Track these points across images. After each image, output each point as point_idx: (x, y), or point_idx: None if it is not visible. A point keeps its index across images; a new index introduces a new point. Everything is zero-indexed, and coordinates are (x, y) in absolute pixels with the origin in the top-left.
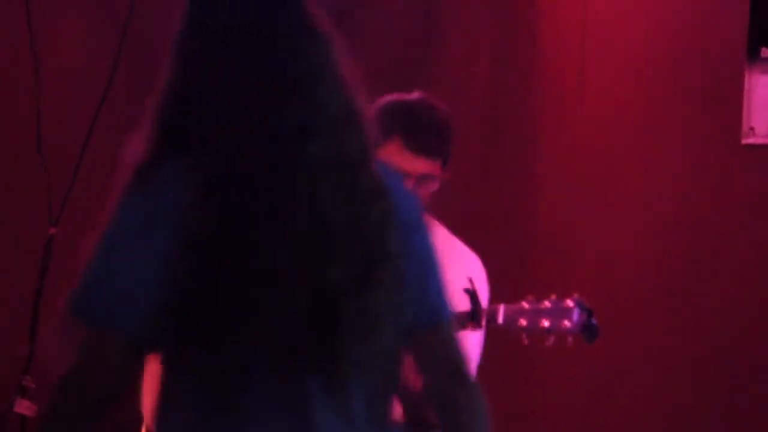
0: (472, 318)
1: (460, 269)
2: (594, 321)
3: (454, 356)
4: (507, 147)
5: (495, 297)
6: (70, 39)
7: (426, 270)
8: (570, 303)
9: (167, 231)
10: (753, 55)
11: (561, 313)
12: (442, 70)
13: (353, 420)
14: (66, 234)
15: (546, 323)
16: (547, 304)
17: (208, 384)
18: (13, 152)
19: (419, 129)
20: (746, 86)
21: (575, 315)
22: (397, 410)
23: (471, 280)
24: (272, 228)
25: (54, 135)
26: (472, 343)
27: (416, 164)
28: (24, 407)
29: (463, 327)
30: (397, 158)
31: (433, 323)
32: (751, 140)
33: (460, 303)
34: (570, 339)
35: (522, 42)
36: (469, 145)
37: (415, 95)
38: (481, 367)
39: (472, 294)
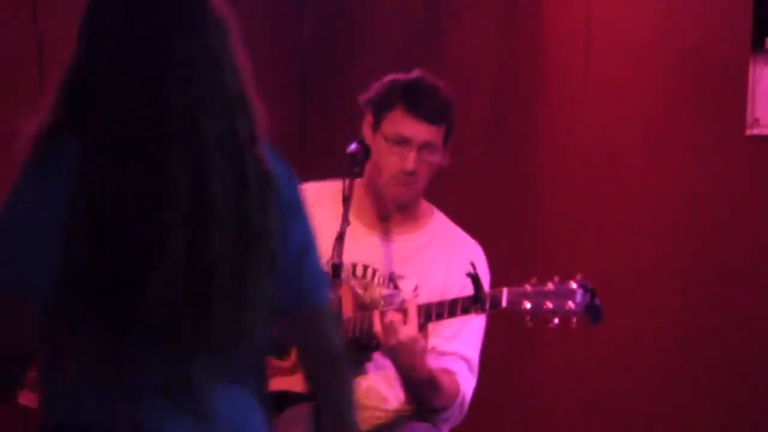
0: (476, 302)
1: (462, 255)
2: (597, 302)
3: (326, 338)
4: (512, 142)
5: (499, 282)
6: (74, 28)
7: (303, 254)
8: (573, 284)
9: (60, 196)
10: (757, 46)
11: (564, 294)
12: (446, 67)
13: (233, 392)
14: None
15: (550, 305)
16: (550, 286)
17: (93, 357)
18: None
19: (421, 96)
20: (751, 77)
21: (578, 296)
22: (401, 396)
23: (473, 265)
24: (154, 200)
25: None
26: (475, 327)
27: (419, 129)
28: (27, 398)
29: (467, 311)
30: (400, 124)
31: (307, 305)
32: (755, 131)
33: (464, 288)
34: (574, 320)
35: (526, 34)
36: (473, 141)
37: (416, 72)
38: (485, 356)
39: (474, 278)
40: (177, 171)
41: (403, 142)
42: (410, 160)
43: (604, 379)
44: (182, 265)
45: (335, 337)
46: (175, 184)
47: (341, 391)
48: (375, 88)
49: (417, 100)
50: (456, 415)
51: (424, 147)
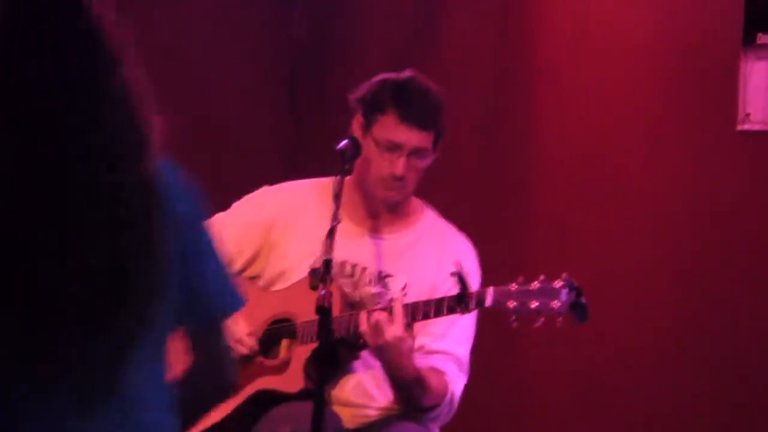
0: (460, 302)
1: (452, 253)
2: (583, 300)
3: (218, 349)
4: (506, 141)
5: (493, 283)
6: None
7: (200, 264)
8: (558, 283)
9: None
10: (749, 41)
11: (549, 293)
12: (439, 67)
13: (132, 392)
14: None
15: (535, 304)
16: (535, 285)
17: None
18: None
19: (413, 102)
20: (742, 72)
21: (563, 295)
22: (390, 395)
23: (459, 264)
24: (43, 210)
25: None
26: (464, 324)
27: (410, 136)
28: None
29: (453, 310)
30: (391, 130)
31: (204, 317)
32: (746, 126)
33: (453, 286)
34: (560, 320)
35: (520, 34)
36: (467, 142)
37: (407, 72)
38: (475, 355)
39: (460, 277)
40: (64, 185)
41: (394, 147)
42: (400, 166)
43: (596, 379)
44: (71, 275)
45: (227, 360)
46: (62, 199)
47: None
48: (365, 87)
49: (409, 105)
50: (445, 413)
51: (414, 152)
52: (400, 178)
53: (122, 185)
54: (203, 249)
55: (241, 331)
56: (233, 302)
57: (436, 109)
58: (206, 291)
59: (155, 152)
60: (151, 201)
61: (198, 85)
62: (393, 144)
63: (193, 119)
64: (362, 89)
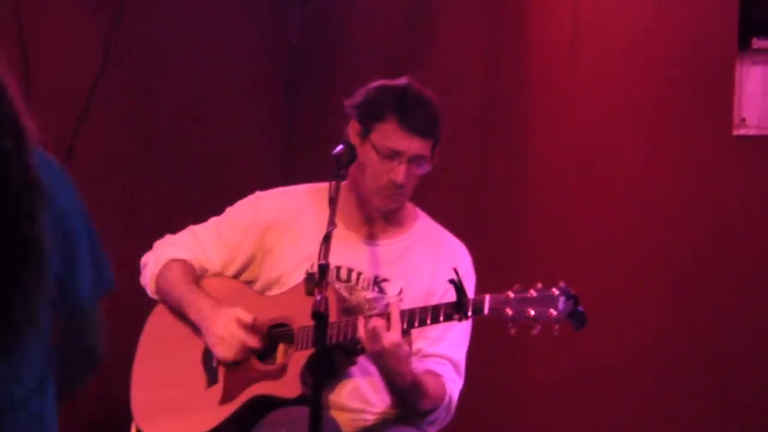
0: (458, 309)
1: (447, 258)
2: (580, 308)
3: (86, 341)
4: (500, 144)
5: (488, 288)
6: (60, 32)
7: (74, 257)
8: (555, 291)
9: None
10: (744, 45)
11: (547, 301)
12: (432, 70)
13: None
14: None
15: (532, 312)
16: (532, 293)
17: None
18: None
19: (414, 110)
20: (737, 77)
21: (561, 303)
22: (387, 400)
23: (456, 271)
24: None
25: (43, 125)
26: (461, 328)
27: (412, 144)
28: None
29: (450, 317)
30: (392, 138)
31: (73, 309)
32: (742, 131)
33: (448, 291)
34: (556, 327)
35: (512, 36)
36: (460, 145)
37: (403, 79)
38: (472, 358)
39: (457, 285)
40: None
41: (394, 155)
42: (401, 173)
43: (593, 381)
44: None
45: (98, 344)
46: None
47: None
48: (362, 94)
49: (409, 113)
50: (443, 417)
51: (414, 159)
52: (401, 186)
53: (7, 182)
54: (77, 239)
55: (247, 318)
56: (102, 284)
57: (435, 116)
58: (78, 278)
59: (35, 148)
60: (36, 196)
61: (194, 88)
62: (394, 152)
63: (189, 122)
64: (359, 96)
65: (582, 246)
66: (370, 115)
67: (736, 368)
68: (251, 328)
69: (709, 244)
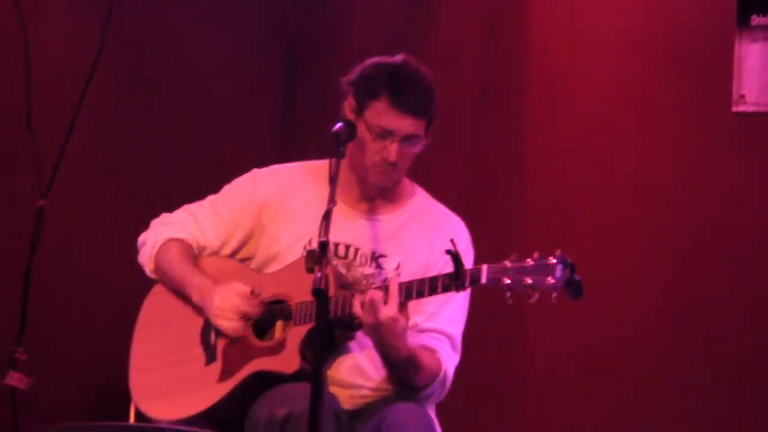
0: (455, 278)
1: (443, 231)
2: (577, 277)
3: None
4: (497, 122)
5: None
6: (59, 11)
7: None
8: (553, 259)
9: None
10: (743, 22)
11: (544, 269)
12: (433, 54)
13: None
14: (56, 205)
15: (529, 280)
16: (529, 262)
17: None
18: (1, 124)
19: (406, 89)
20: (737, 54)
21: (558, 271)
22: (384, 374)
23: (453, 242)
24: None
25: (42, 107)
26: (457, 303)
27: (403, 123)
28: (15, 379)
29: (448, 288)
30: (384, 117)
31: None
32: (741, 108)
33: (446, 264)
34: (554, 296)
35: (512, 15)
36: (458, 136)
37: (399, 57)
38: (473, 337)
39: (454, 255)
40: None
41: (386, 134)
42: (392, 152)
43: (593, 362)
44: None
45: None
46: None
47: None
48: (358, 71)
49: (402, 92)
50: (438, 392)
51: (407, 138)
52: (393, 164)
53: None
54: None
55: (244, 288)
56: None
57: (429, 95)
58: None
59: None
60: None
61: (191, 74)
62: (385, 131)
63: (186, 106)
64: (355, 72)
65: (579, 228)
66: (364, 92)
67: (734, 348)
68: (250, 296)
69: (709, 221)
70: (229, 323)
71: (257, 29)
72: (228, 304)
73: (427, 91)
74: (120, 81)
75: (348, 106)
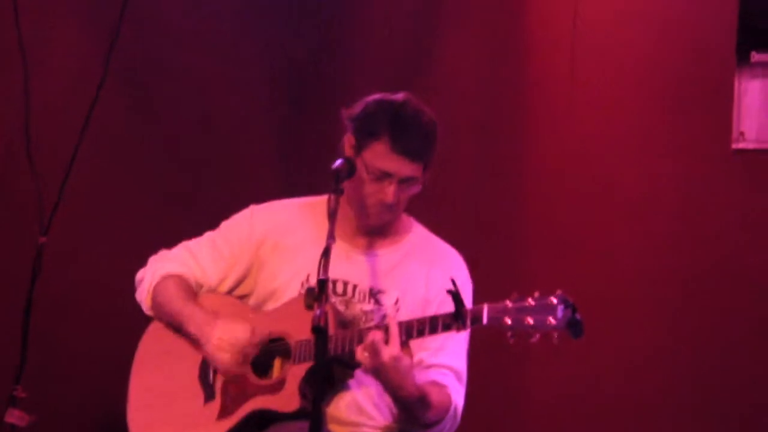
0: (456, 319)
1: (441, 267)
2: (578, 317)
3: None
4: (500, 151)
5: (486, 293)
6: (61, 43)
7: None
8: (554, 300)
9: None
10: (743, 59)
11: (545, 310)
12: (437, 75)
13: None
14: (56, 243)
15: (530, 321)
16: (530, 301)
17: None
18: (1, 159)
19: (406, 132)
20: (736, 91)
21: (559, 311)
22: (386, 412)
23: (453, 281)
24: None
25: (44, 141)
26: (459, 339)
27: (402, 167)
28: (15, 417)
29: (448, 328)
30: (383, 159)
31: None
32: (741, 145)
33: (444, 300)
34: (555, 336)
35: (514, 45)
36: (461, 152)
37: (401, 96)
38: (470, 363)
39: (455, 295)
40: None
41: (384, 176)
42: (390, 194)
43: (591, 386)
44: None
45: None
46: None
47: None
48: (360, 107)
49: (402, 136)
50: (449, 427)
51: (405, 181)
52: (390, 206)
53: None
54: None
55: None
56: None
57: (429, 138)
58: None
59: None
60: None
61: (200, 104)
62: (383, 173)
63: (194, 133)
64: (356, 108)
65: (581, 257)
66: (365, 131)
67: (736, 381)
68: (251, 336)
69: (709, 257)
70: (226, 356)
71: (265, 61)
72: (226, 339)
73: (427, 135)
74: (121, 115)
75: (347, 141)
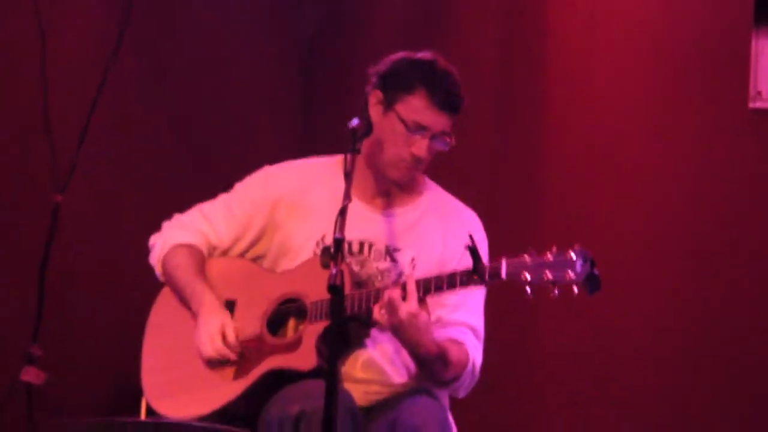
0: (475, 274)
1: (458, 225)
2: (596, 271)
3: None
4: (515, 127)
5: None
6: (76, 7)
7: None
8: (572, 254)
9: None
10: (760, 20)
11: (564, 264)
12: (451, 52)
13: None
14: (72, 202)
15: (549, 275)
16: (549, 256)
17: None
18: (18, 120)
19: (443, 86)
20: (753, 50)
21: (578, 266)
22: (402, 371)
23: (471, 237)
24: None
25: (59, 102)
26: (476, 296)
27: (438, 119)
28: (31, 375)
29: (467, 284)
30: (420, 112)
31: None
32: (758, 104)
33: (461, 258)
34: (575, 290)
35: (530, 18)
36: (477, 137)
37: (428, 53)
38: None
39: (473, 250)
40: None
41: (420, 129)
42: (423, 148)
43: (607, 361)
44: None
45: None
46: None
47: None
48: (389, 64)
49: (439, 88)
50: (468, 382)
51: (438, 136)
52: (420, 160)
53: None
54: None
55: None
56: None
57: (461, 93)
58: None
59: None
60: None
61: (211, 77)
62: (420, 126)
63: (206, 111)
64: (385, 64)
65: (596, 229)
66: (398, 85)
67: (753, 352)
68: (231, 344)
69: (727, 218)
70: (205, 352)
71: (276, 31)
72: (210, 337)
73: (460, 89)
74: (137, 81)
75: (374, 97)
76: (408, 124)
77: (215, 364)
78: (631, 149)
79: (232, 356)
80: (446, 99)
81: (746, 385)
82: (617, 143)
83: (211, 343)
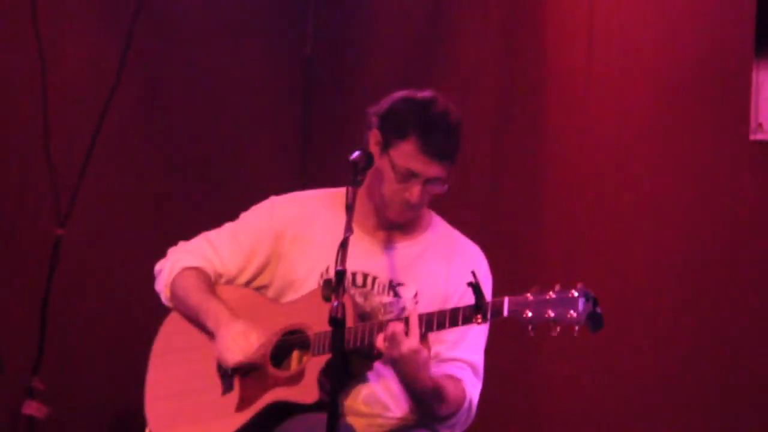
0: (477, 311)
1: (462, 261)
2: (599, 310)
3: None
4: (516, 150)
5: (503, 289)
6: (77, 40)
7: None
8: (575, 293)
9: None
10: (761, 50)
11: (566, 303)
12: (449, 72)
13: None
14: (73, 235)
15: (551, 314)
16: (551, 294)
17: None
18: (19, 152)
19: (435, 134)
20: (754, 82)
21: (580, 304)
22: (403, 405)
23: (474, 274)
24: None
25: (60, 135)
26: (477, 332)
27: (429, 168)
28: (33, 408)
29: (469, 321)
30: (410, 159)
31: None
32: (759, 136)
33: (464, 294)
34: (576, 329)
35: (529, 40)
36: (477, 146)
37: (429, 94)
38: (489, 358)
39: (475, 287)
40: None
41: (411, 175)
42: (415, 194)
43: (610, 383)
44: None
45: None
46: None
47: None
48: (387, 104)
49: (431, 136)
50: (463, 421)
51: (430, 181)
52: (414, 205)
53: None
54: None
55: (251, 345)
56: None
57: (457, 139)
58: None
59: None
60: None
61: (212, 101)
62: (411, 172)
63: (207, 130)
64: (383, 105)
65: (598, 249)
66: (392, 130)
67: (751, 374)
68: (260, 346)
69: (726, 248)
70: (232, 358)
71: (277, 53)
72: (239, 342)
73: (455, 135)
74: (138, 108)
75: (373, 137)
76: (400, 170)
77: (227, 386)
78: (630, 178)
79: (261, 361)
80: (438, 149)
81: (752, 409)
82: (616, 173)
83: (238, 348)
